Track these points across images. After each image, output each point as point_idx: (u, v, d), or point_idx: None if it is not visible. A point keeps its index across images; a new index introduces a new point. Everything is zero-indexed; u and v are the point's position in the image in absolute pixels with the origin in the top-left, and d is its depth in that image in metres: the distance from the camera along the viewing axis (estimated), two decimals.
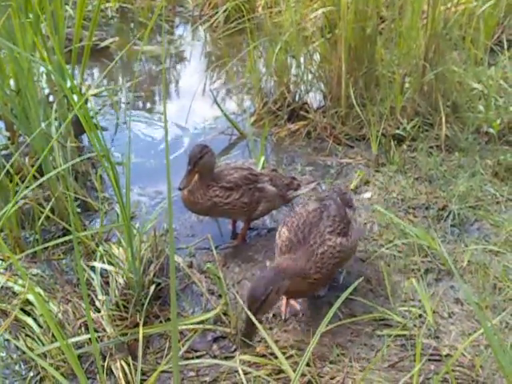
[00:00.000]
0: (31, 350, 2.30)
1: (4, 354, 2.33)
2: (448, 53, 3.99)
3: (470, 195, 3.32)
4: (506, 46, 4.55)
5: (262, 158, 3.58)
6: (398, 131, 3.85)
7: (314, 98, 4.33)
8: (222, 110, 4.21)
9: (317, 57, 4.29)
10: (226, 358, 2.35)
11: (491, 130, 3.81)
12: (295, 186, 3.07)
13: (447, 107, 4.02)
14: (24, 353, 2.31)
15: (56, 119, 3.23)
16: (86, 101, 4.29)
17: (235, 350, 2.40)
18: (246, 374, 2.25)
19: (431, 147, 3.82)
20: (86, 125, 2.09)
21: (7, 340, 2.37)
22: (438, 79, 4.01)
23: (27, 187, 2.21)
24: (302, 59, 4.23)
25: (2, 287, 2.62)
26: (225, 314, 2.54)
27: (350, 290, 1.75)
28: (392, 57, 4.08)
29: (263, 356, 2.29)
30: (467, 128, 3.95)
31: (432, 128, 3.96)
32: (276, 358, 2.07)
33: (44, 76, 3.95)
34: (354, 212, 2.77)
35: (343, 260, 2.51)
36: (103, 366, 2.24)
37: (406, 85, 4.11)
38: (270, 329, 2.49)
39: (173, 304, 1.44)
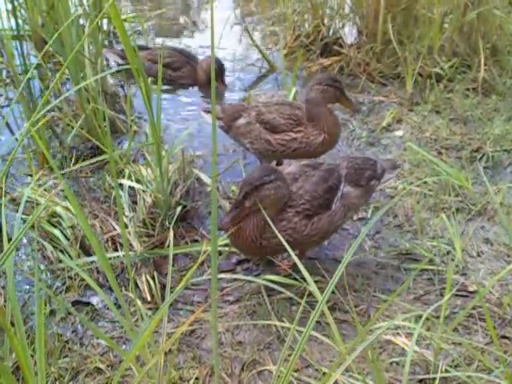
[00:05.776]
0: (59, 260, 2.32)
1: (31, 264, 2.36)
2: None
3: (505, 138, 3.22)
4: None
5: (293, 91, 3.49)
6: (435, 69, 3.71)
7: (349, 33, 4.19)
8: (252, 41, 4.10)
9: None
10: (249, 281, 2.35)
11: None
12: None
13: (487, 49, 3.86)
14: (52, 263, 2.33)
15: (88, 41, 3.15)
16: None
17: (258, 274, 2.40)
18: (269, 296, 2.27)
19: (467, 89, 3.69)
20: (122, 35, 2.03)
21: (34, 250, 2.39)
22: (479, 20, 3.84)
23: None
24: None
25: (27, 201, 2.62)
26: None
27: (374, 219, 1.69)
28: None
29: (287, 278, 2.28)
30: (506, 72, 3.81)
31: (470, 70, 3.82)
32: (304, 280, 2.05)
33: None
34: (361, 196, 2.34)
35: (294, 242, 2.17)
36: (128, 279, 2.25)
37: (446, 24, 3.95)
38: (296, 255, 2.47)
39: (213, 221, 1.41)
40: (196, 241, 2.54)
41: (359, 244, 2.55)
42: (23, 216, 2.44)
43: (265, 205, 2.05)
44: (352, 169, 2.34)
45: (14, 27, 2.93)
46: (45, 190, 2.64)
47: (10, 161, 1.40)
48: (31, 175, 2.81)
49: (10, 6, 2.84)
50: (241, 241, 2.13)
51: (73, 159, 2.90)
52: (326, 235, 2.27)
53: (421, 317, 1.83)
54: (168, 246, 2.41)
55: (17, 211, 2.59)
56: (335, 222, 2.24)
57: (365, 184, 2.35)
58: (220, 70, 3.74)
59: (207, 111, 2.89)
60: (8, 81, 3.63)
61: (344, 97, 2.70)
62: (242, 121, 2.79)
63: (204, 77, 3.79)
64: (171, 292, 2.25)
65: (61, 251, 2.38)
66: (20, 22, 3.64)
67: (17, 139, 2.26)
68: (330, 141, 2.73)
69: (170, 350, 2.06)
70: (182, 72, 3.78)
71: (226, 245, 2.47)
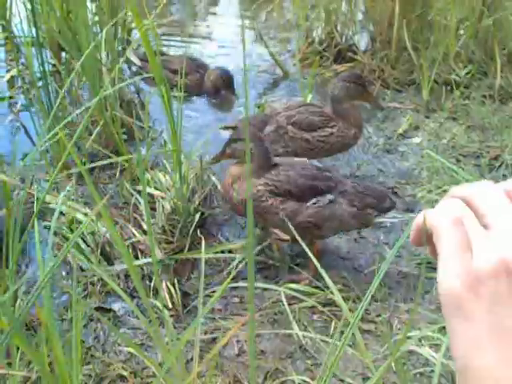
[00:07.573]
0: (81, 267, 2.32)
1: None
2: None
3: None
4: None
5: (309, 97, 3.49)
6: (451, 76, 3.71)
7: (363, 40, 4.19)
8: (267, 47, 4.09)
9: None
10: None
11: None
12: None
13: (503, 56, 3.85)
14: (72, 269, 2.33)
15: (105, 49, 3.15)
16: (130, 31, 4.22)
17: (278, 281, 2.39)
18: (290, 304, 2.25)
19: (484, 96, 3.68)
20: (145, 43, 2.03)
21: (55, 256, 2.39)
22: (494, 26, 3.83)
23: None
24: None
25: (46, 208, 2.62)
26: (269, 246, 2.52)
27: (404, 235, 1.67)
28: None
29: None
30: None
31: (486, 77, 3.81)
32: (328, 288, 2.04)
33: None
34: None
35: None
36: (150, 285, 2.25)
37: (461, 31, 3.94)
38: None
39: (249, 230, 1.40)
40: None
41: (380, 253, 2.55)
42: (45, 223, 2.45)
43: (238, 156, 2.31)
44: (353, 188, 2.30)
45: (29, 33, 2.95)
46: (65, 196, 2.64)
47: (50, 183, 1.39)
48: (49, 180, 2.80)
49: (28, 13, 2.85)
50: (222, 185, 2.41)
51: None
52: (287, 225, 2.10)
53: (444, 327, 1.82)
54: (188, 252, 2.41)
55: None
56: (303, 215, 2.21)
57: (358, 206, 2.28)
58: (229, 81, 3.70)
59: (226, 127, 2.91)
60: (24, 87, 3.64)
61: (367, 93, 2.79)
62: (269, 128, 2.80)
63: (211, 88, 3.75)
64: (193, 300, 2.27)
65: (81, 258, 2.37)
66: (38, 28, 3.67)
67: (37, 147, 2.27)
68: (359, 134, 2.85)
69: (191, 358, 2.05)
70: (188, 79, 3.71)
71: None
